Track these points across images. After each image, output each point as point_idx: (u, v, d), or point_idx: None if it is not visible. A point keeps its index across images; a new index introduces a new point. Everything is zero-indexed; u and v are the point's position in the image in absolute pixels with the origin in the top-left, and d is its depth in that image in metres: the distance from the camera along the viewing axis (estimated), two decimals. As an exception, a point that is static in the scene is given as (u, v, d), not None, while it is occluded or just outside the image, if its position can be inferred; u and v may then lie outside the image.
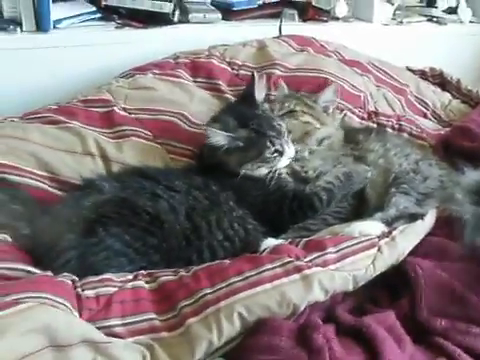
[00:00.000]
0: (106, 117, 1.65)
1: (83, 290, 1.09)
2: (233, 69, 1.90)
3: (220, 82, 1.83)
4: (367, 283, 1.22)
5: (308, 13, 2.46)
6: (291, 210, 1.41)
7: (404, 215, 1.40)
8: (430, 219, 1.39)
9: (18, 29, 1.93)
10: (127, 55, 1.99)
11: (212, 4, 2.33)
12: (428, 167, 1.59)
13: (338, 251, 1.20)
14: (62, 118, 1.60)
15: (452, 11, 2.77)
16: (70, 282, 1.10)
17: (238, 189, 1.40)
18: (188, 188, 1.37)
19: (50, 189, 1.47)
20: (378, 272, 1.22)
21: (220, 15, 2.26)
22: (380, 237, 1.28)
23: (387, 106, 1.99)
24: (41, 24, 1.94)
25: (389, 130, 1.85)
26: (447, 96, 2.19)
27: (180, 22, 2.19)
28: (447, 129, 1.95)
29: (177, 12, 2.17)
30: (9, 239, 1.23)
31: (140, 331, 1.05)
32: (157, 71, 1.82)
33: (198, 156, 1.56)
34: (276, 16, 2.34)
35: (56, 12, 1.96)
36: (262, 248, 1.24)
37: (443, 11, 2.75)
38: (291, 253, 1.18)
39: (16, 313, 0.94)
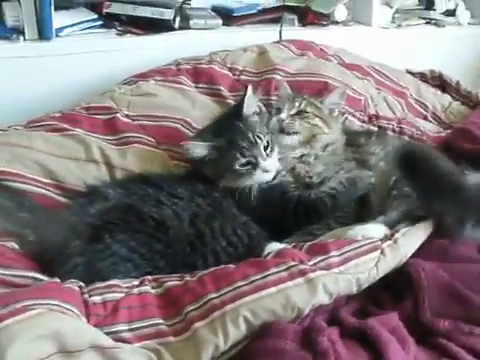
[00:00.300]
0: (109, 124, 1.66)
1: (90, 296, 1.10)
2: (234, 74, 1.91)
3: (221, 87, 1.85)
4: (370, 285, 1.23)
5: (308, 18, 2.47)
6: (296, 215, 1.41)
7: (406, 218, 1.40)
8: (432, 221, 1.39)
9: (21, 38, 1.95)
10: (129, 62, 2.00)
11: (212, 10, 2.35)
12: (429, 169, 1.60)
13: (341, 254, 1.21)
14: (66, 126, 1.62)
15: (450, 13, 2.79)
16: (77, 288, 1.11)
17: (241, 195, 1.41)
18: (191, 195, 1.38)
19: (55, 196, 1.48)
20: (381, 274, 1.23)
21: (220, 21, 2.28)
22: (383, 240, 1.28)
23: (388, 109, 1.99)
24: (43, 32, 1.95)
25: (390, 133, 1.86)
26: (447, 98, 2.20)
27: (181, 28, 2.20)
28: (448, 131, 1.96)
29: (178, 19, 2.18)
30: (16, 246, 1.24)
31: (147, 336, 1.06)
32: (159, 77, 1.84)
33: None
34: (276, 21, 2.36)
35: (58, 20, 1.98)
36: (266, 252, 1.25)
37: (442, 13, 2.77)
38: (295, 257, 1.18)
39: (25, 320, 0.94)
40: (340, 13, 2.52)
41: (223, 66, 1.92)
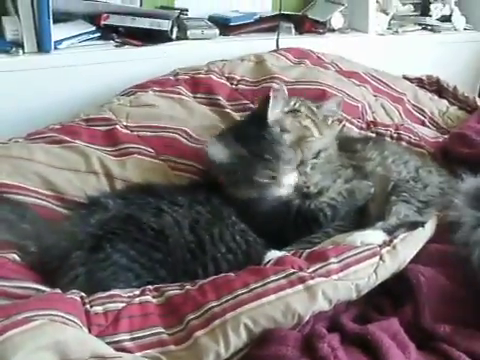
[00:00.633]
0: (109, 135, 1.66)
1: (91, 306, 1.11)
2: (232, 84, 1.92)
3: (220, 97, 1.85)
4: (370, 291, 1.23)
5: (304, 26, 2.48)
6: (296, 225, 1.41)
7: (405, 223, 1.41)
8: (431, 227, 1.40)
9: (20, 51, 1.95)
10: (127, 73, 2.01)
11: (210, 20, 2.36)
12: (428, 174, 1.60)
13: (341, 261, 1.21)
14: (65, 137, 1.62)
15: (446, 19, 2.80)
16: (79, 299, 1.12)
17: (242, 204, 1.41)
18: (190, 203, 1.38)
19: (56, 208, 1.48)
20: (380, 280, 1.23)
21: (218, 31, 2.29)
22: (381, 246, 1.28)
23: (385, 115, 2.00)
24: (42, 45, 1.96)
25: (388, 139, 1.86)
26: (444, 103, 2.21)
27: (178, 39, 2.21)
28: (445, 136, 1.96)
29: (175, 29, 2.20)
30: (17, 258, 1.25)
31: (149, 345, 1.06)
32: (157, 88, 1.84)
33: (204, 171, 1.58)
34: (273, 30, 2.36)
35: (57, 33, 1.98)
36: (266, 260, 1.25)
37: (437, 19, 2.79)
38: (294, 264, 1.19)
39: (27, 331, 0.95)
40: (336, 21, 2.53)
41: (221, 76, 1.93)
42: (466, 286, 1.22)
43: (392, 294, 1.29)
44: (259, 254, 1.31)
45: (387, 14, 2.68)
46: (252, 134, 1.47)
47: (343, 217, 1.48)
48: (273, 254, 1.29)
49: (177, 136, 1.69)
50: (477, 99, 2.20)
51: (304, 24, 2.48)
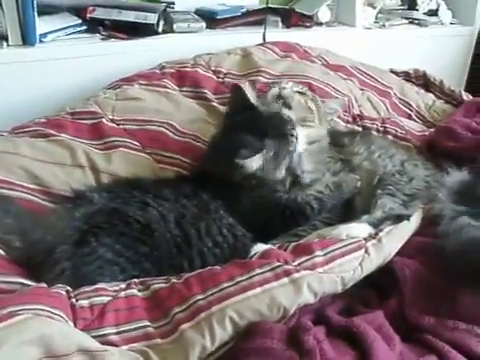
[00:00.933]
0: (94, 129, 1.65)
1: (77, 300, 1.10)
2: (218, 77, 1.92)
3: (206, 91, 1.85)
4: (356, 284, 1.24)
5: (291, 19, 2.48)
6: (283, 217, 1.42)
7: (390, 217, 1.42)
8: (416, 220, 1.41)
9: (4, 44, 1.93)
10: (113, 66, 2.01)
11: (196, 13, 2.35)
12: (413, 168, 1.61)
13: (326, 254, 1.22)
14: (51, 131, 1.61)
15: (433, 13, 2.82)
16: (65, 293, 1.11)
17: (230, 197, 1.41)
18: (177, 196, 1.38)
19: (41, 202, 1.47)
20: (365, 273, 1.24)
21: (204, 24, 2.28)
22: (367, 239, 1.29)
23: (372, 109, 2.02)
24: (27, 38, 1.94)
25: (374, 133, 1.87)
26: (431, 97, 2.22)
27: (165, 32, 2.20)
28: (431, 130, 1.97)
29: (161, 22, 2.19)
30: (2, 253, 1.24)
31: (134, 339, 1.06)
32: (143, 81, 1.84)
33: (192, 165, 1.58)
34: (260, 23, 2.37)
35: (42, 26, 1.97)
36: (252, 253, 1.26)
37: (424, 13, 2.81)
38: (280, 257, 1.19)
39: (12, 325, 0.94)
40: (324, 14, 2.54)
41: (207, 69, 1.93)
42: (444, 276, 1.23)
43: (378, 287, 1.30)
44: (247, 248, 1.31)
45: (374, 8, 2.69)
46: (258, 123, 1.46)
47: (330, 210, 1.49)
48: (259, 247, 1.29)
49: (163, 129, 1.68)
50: (463, 93, 2.22)
51: (291, 18, 2.49)
